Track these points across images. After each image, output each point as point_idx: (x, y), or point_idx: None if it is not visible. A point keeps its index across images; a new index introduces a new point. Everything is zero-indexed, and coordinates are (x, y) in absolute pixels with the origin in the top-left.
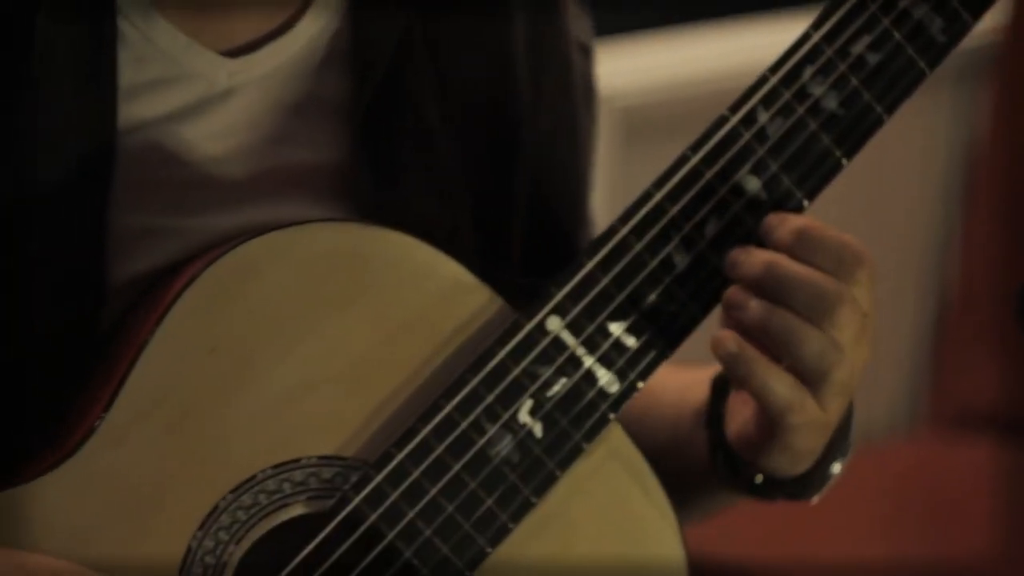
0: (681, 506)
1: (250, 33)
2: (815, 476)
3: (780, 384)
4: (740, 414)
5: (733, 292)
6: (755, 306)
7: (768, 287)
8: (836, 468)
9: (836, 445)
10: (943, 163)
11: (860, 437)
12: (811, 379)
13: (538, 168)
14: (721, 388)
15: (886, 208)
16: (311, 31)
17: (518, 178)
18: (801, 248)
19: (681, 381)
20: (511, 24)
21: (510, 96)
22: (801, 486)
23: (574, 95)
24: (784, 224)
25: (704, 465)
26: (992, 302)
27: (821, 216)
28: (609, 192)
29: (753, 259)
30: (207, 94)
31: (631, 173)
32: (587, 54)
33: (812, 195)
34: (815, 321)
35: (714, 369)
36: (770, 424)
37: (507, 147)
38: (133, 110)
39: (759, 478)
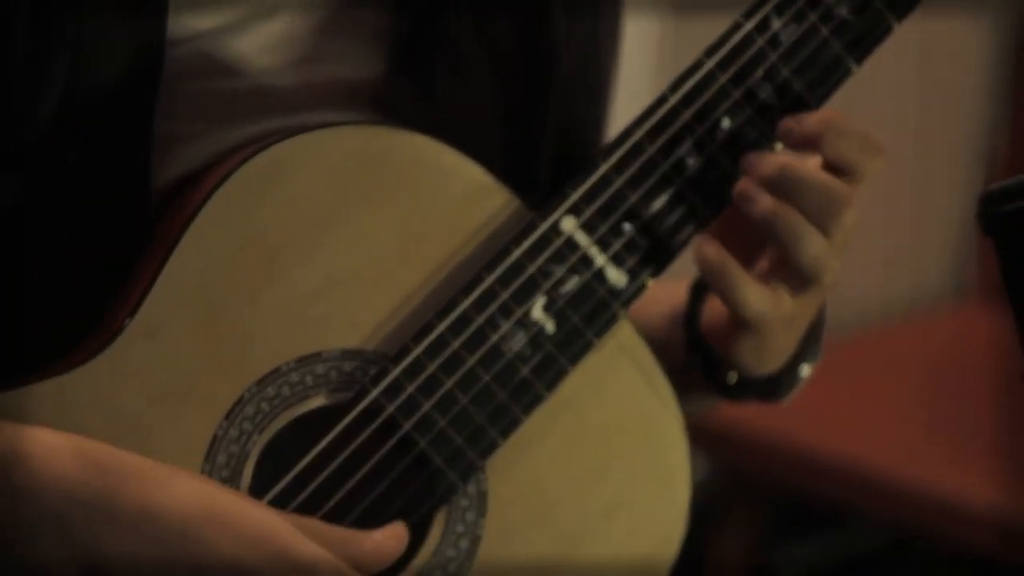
0: None
1: None
2: (785, 377)
3: (755, 295)
4: (715, 311)
5: (745, 184)
6: (765, 200)
7: (782, 186)
8: (805, 370)
9: (807, 348)
10: (992, 39)
11: (907, 308)
12: (802, 279)
13: (563, 105)
14: (699, 291)
15: (936, 81)
16: None
17: (548, 112)
18: (830, 135)
19: (664, 290)
20: None
21: (543, 37)
22: (772, 386)
23: (601, 42)
24: (806, 119)
25: (681, 366)
26: None
27: (870, 90)
28: (658, 64)
29: (769, 160)
30: (253, 11)
31: (680, 48)
32: (616, 5)
33: (821, 101)
34: (821, 223)
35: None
36: (744, 325)
37: (538, 84)
38: (180, 21)
39: (732, 377)
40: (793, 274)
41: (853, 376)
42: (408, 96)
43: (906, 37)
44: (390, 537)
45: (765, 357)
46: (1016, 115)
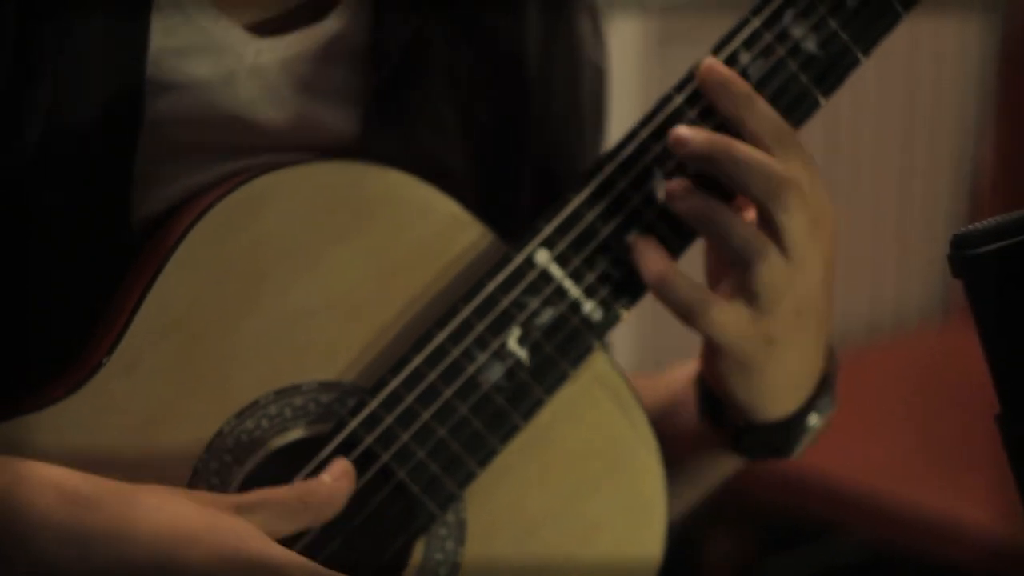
0: (677, 479)
1: (277, 13)
2: (793, 426)
3: (694, 296)
4: (705, 354)
5: (676, 186)
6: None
7: (715, 165)
8: (814, 420)
9: (818, 398)
10: (977, 48)
11: (893, 325)
12: (745, 278)
13: (544, 145)
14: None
15: (921, 95)
16: (337, 25)
17: (524, 157)
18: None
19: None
20: (524, 36)
21: (519, 99)
22: (781, 435)
23: (581, 107)
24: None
25: (695, 427)
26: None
27: (855, 105)
28: (643, 93)
29: (699, 135)
30: (233, 68)
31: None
32: (600, 75)
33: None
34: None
35: None
36: (715, 348)
37: (516, 128)
38: (163, 72)
39: (740, 420)
40: (741, 282)
41: (840, 393)
42: (385, 146)
43: (891, 50)
44: (339, 476)
45: (758, 390)
46: (1000, 130)
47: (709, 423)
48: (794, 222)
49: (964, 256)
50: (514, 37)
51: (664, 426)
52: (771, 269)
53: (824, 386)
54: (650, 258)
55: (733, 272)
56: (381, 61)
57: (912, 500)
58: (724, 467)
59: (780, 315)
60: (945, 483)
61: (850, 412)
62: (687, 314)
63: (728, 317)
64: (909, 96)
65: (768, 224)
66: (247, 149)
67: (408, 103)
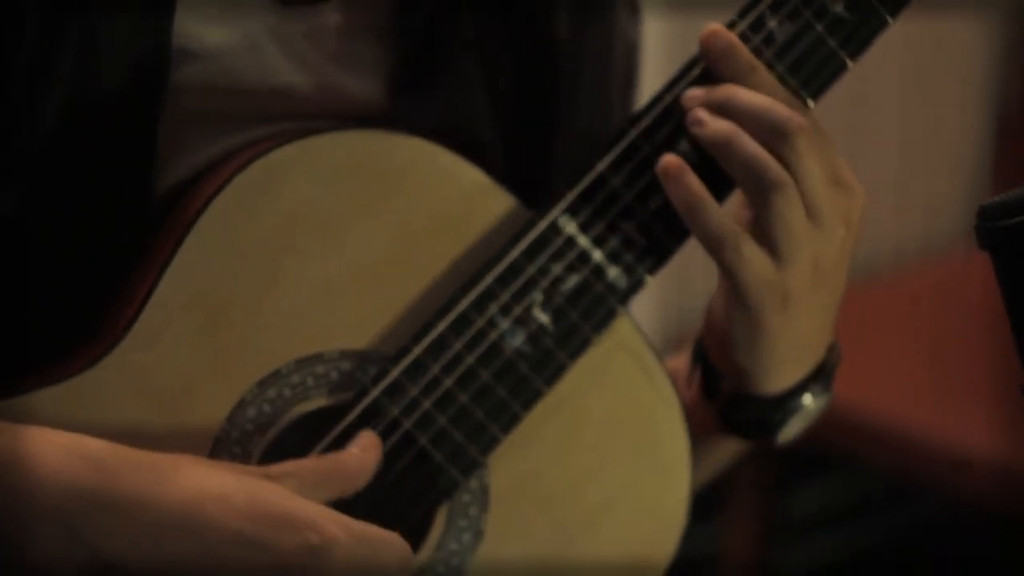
0: None
1: None
2: (785, 403)
3: (720, 223)
4: (716, 303)
5: (695, 111)
6: (717, 123)
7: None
8: (808, 401)
9: (814, 380)
10: None
11: (915, 253)
12: (756, 203)
13: (572, 124)
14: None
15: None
16: None
17: (554, 129)
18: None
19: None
20: (555, 7)
21: (548, 67)
22: (771, 410)
23: (611, 82)
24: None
25: (687, 400)
26: None
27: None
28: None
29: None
30: (258, 37)
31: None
32: (632, 51)
33: (816, 96)
34: (772, 147)
35: None
36: (729, 289)
37: (545, 101)
38: (188, 40)
39: (733, 390)
40: (762, 224)
41: (860, 321)
42: (411, 116)
43: None
44: (367, 448)
45: (761, 353)
46: None
47: (701, 393)
48: (808, 166)
49: (991, 228)
50: (545, 8)
51: None
52: (790, 207)
53: (822, 371)
54: (683, 184)
55: (755, 212)
56: (407, 31)
57: (925, 429)
58: (715, 449)
59: (798, 270)
60: (957, 413)
61: (866, 343)
62: (717, 245)
63: (755, 254)
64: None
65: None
66: (272, 117)
67: (435, 73)
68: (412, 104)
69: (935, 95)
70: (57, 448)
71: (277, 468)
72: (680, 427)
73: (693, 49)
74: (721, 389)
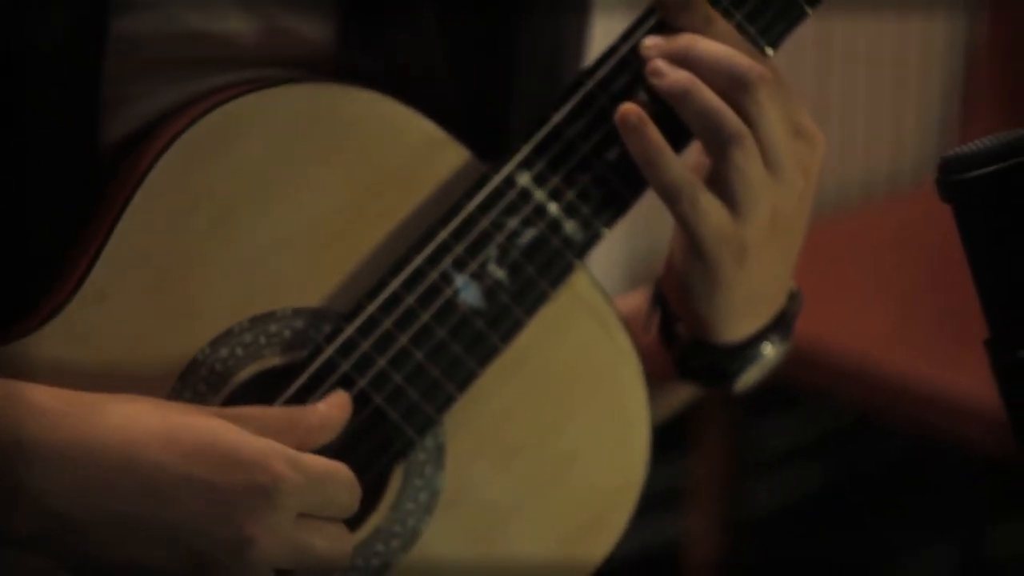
0: None
1: None
2: (743, 351)
3: (673, 167)
4: (674, 251)
5: (654, 62)
6: (676, 73)
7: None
8: (767, 350)
9: (773, 329)
10: None
11: (883, 188)
12: (713, 154)
13: (528, 63)
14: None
15: None
16: None
17: (510, 71)
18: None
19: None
20: None
21: (504, 17)
22: (728, 359)
23: (567, 18)
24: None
25: (644, 345)
26: (1018, 55)
27: None
28: None
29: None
30: None
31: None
32: None
33: (775, 44)
34: (732, 97)
35: None
36: (685, 240)
37: (500, 42)
38: None
39: (691, 337)
40: (720, 175)
41: (826, 257)
42: (363, 58)
43: None
44: (334, 406)
45: (719, 304)
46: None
47: (659, 338)
48: (768, 118)
49: (953, 180)
50: None
51: None
52: (748, 160)
53: (782, 320)
54: (641, 134)
55: (712, 164)
56: None
57: (891, 365)
58: (671, 393)
59: (755, 222)
60: (921, 348)
61: (832, 278)
62: (674, 195)
63: (712, 206)
64: None
65: (744, 120)
66: (219, 64)
67: (386, 12)
68: (363, 46)
69: (903, 31)
70: None
71: (236, 410)
72: (638, 380)
73: None
74: (678, 335)
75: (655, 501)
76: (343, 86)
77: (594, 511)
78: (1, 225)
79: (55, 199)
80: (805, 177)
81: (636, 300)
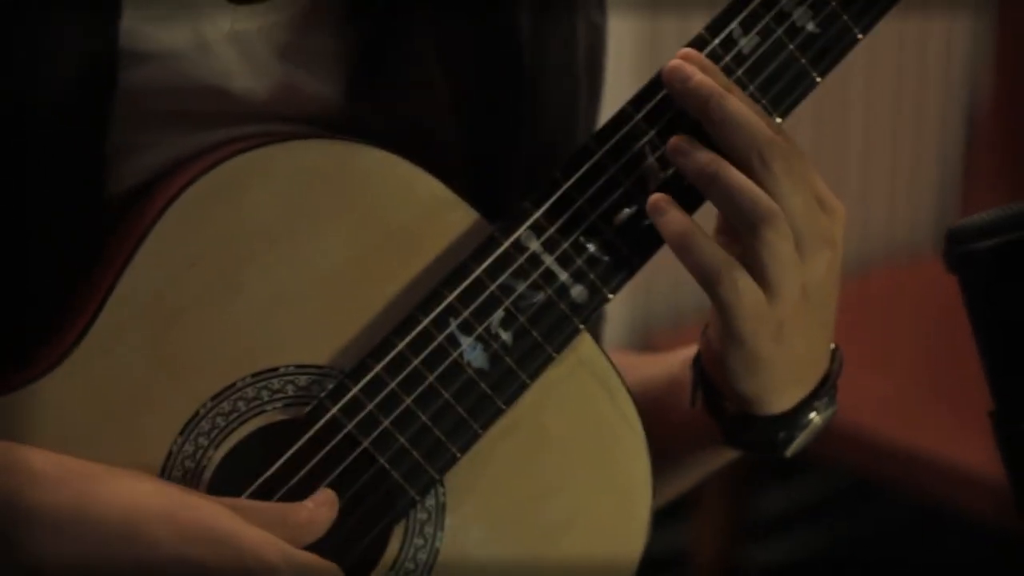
0: (666, 466)
1: None
2: (791, 421)
3: (710, 247)
4: (710, 333)
5: (676, 140)
6: (702, 155)
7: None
8: (814, 417)
9: (818, 395)
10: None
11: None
12: (745, 235)
13: (535, 121)
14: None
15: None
16: None
17: (518, 127)
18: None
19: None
20: (517, 4)
21: (512, 63)
22: (777, 430)
23: (576, 69)
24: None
25: (689, 414)
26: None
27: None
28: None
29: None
30: (210, 36)
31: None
32: (597, 31)
33: (786, 113)
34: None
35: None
36: (722, 322)
37: (507, 98)
38: (137, 41)
39: (738, 411)
40: (749, 255)
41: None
42: (371, 115)
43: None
44: (322, 504)
45: (762, 381)
46: (998, 61)
47: (704, 412)
48: (794, 192)
49: (959, 252)
50: (507, 1)
51: (659, 409)
52: (780, 238)
53: (826, 383)
54: (671, 216)
55: (744, 243)
56: (363, 27)
57: (890, 432)
58: (716, 458)
59: (789, 298)
60: (939, 421)
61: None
62: (710, 277)
63: (747, 285)
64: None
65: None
66: (226, 118)
67: (393, 70)
68: (370, 103)
69: (904, 99)
70: None
71: (229, 500)
72: (641, 447)
73: (669, 46)
74: (725, 409)
75: (655, 566)
76: (351, 143)
77: (593, 573)
78: (4, 273)
79: (60, 248)
80: (831, 248)
81: (669, 364)
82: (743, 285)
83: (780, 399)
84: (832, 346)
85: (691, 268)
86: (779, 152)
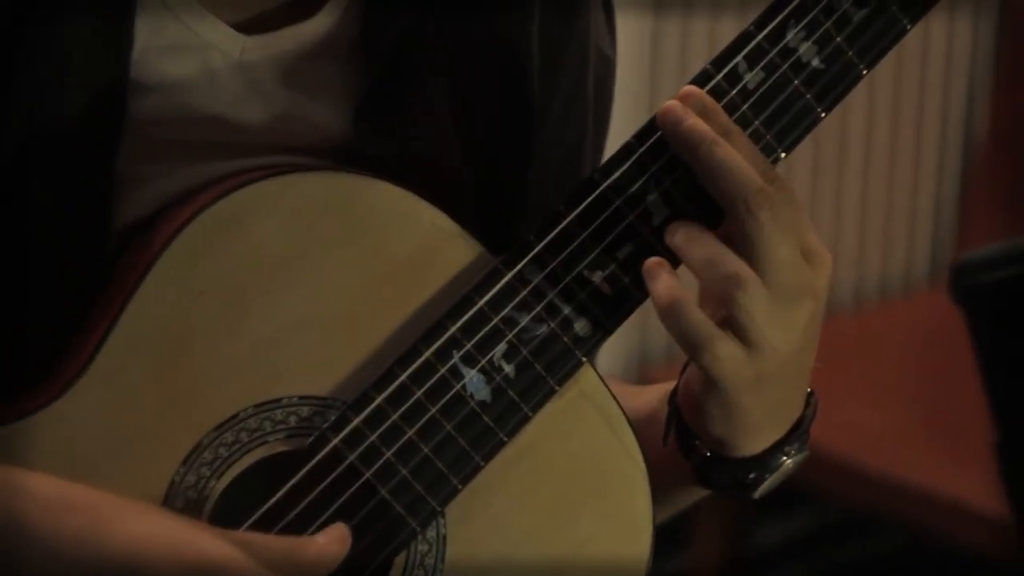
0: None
1: (264, 10)
2: (761, 464)
3: (695, 316)
4: (689, 374)
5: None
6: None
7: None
8: (785, 460)
9: (789, 439)
10: (970, 21)
11: (877, 291)
12: (721, 300)
13: (543, 157)
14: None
15: (912, 60)
16: (327, 22)
17: (524, 163)
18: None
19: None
20: (528, 24)
21: (522, 94)
22: (747, 471)
23: (585, 100)
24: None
25: (662, 451)
26: (1019, 156)
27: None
28: (638, 65)
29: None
30: (219, 65)
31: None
32: (607, 64)
33: (790, 148)
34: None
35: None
36: (700, 375)
37: (515, 132)
38: (146, 72)
39: (704, 451)
40: (731, 321)
41: (821, 358)
42: (377, 146)
43: None
44: (333, 540)
45: (735, 427)
46: (998, 92)
47: (676, 449)
48: (771, 239)
49: (966, 284)
50: (518, 34)
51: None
52: (753, 300)
53: (798, 428)
54: (663, 281)
55: (720, 307)
56: (372, 58)
57: (886, 464)
58: (688, 496)
59: (768, 351)
60: (932, 454)
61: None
62: (692, 346)
63: (728, 352)
64: (903, 58)
65: (745, 242)
66: (233, 149)
67: (401, 101)
68: (378, 133)
69: (901, 134)
70: (2, 486)
71: (237, 534)
72: (643, 479)
73: (673, 50)
74: (696, 448)
75: None
76: (356, 175)
77: None
78: (10, 302)
79: (66, 276)
80: (813, 299)
81: (650, 397)
82: (723, 353)
83: (752, 442)
84: (808, 390)
85: (675, 336)
86: (766, 202)
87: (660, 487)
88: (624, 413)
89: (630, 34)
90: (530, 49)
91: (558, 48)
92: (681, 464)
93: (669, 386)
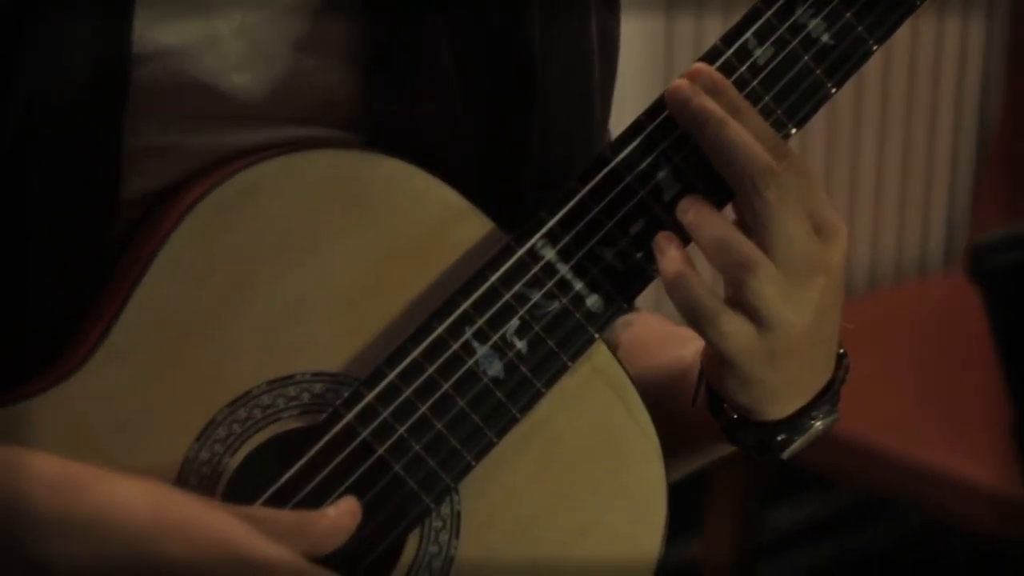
0: (672, 452)
1: None
2: (790, 427)
3: (697, 289)
4: (705, 356)
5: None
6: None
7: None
8: (815, 423)
9: (818, 403)
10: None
11: (892, 272)
12: (730, 282)
13: (547, 117)
14: None
15: (927, 44)
16: None
17: (529, 124)
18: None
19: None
20: (530, 11)
21: (523, 42)
22: (775, 434)
23: (589, 47)
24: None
25: (692, 409)
26: None
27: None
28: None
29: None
30: (220, 29)
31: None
32: (611, 8)
33: (801, 124)
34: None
35: None
36: (718, 355)
37: (519, 93)
38: (148, 38)
39: (732, 414)
40: (742, 302)
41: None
42: (384, 113)
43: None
44: (344, 513)
45: (757, 396)
46: (1008, 78)
47: (706, 411)
48: (778, 217)
49: (981, 266)
50: (520, 9)
51: (667, 396)
52: (763, 282)
53: (828, 390)
54: (670, 255)
55: (730, 288)
56: (377, 16)
57: (900, 446)
58: (718, 449)
59: (779, 329)
60: (946, 435)
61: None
62: (696, 319)
63: (735, 328)
64: (916, 41)
65: (754, 219)
66: (238, 120)
67: (406, 61)
68: (382, 94)
69: (916, 119)
70: (12, 466)
71: (249, 509)
72: (656, 455)
73: (680, 46)
74: (724, 411)
75: None
76: (366, 153)
77: None
78: (17, 281)
79: (74, 254)
80: (825, 274)
81: (686, 352)
82: (729, 329)
83: (777, 408)
84: (840, 351)
85: (680, 311)
86: (773, 180)
87: (692, 438)
88: (637, 388)
89: (644, 32)
90: (531, 23)
91: (559, 23)
92: (712, 422)
93: (700, 345)
